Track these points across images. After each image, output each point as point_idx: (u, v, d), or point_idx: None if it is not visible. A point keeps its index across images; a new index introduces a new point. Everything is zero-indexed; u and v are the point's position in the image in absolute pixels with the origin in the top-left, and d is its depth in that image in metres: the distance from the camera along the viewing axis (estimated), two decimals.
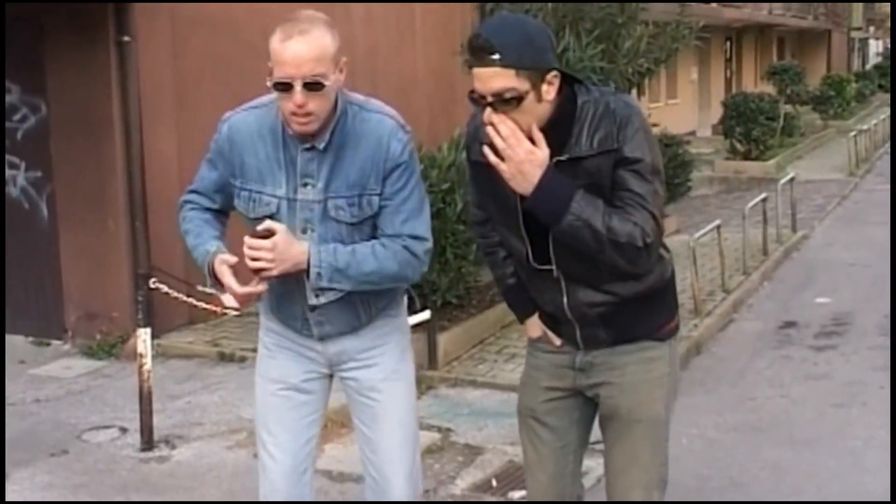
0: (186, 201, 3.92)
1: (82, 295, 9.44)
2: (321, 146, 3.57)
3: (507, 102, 3.30)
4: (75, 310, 9.49)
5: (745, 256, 11.57)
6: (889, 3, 43.01)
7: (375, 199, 3.62)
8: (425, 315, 7.82)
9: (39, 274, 9.60)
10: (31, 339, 9.54)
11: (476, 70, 3.33)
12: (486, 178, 3.61)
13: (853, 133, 21.61)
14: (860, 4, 49.99)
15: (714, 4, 23.09)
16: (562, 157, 3.41)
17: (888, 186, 19.04)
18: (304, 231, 3.63)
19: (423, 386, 7.86)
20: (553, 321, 3.80)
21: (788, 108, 24.80)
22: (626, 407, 3.71)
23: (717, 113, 27.24)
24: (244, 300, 3.63)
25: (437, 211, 7.99)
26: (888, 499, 5.83)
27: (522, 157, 3.32)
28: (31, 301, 9.60)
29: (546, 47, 3.37)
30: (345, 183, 3.59)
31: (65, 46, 9.09)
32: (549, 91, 3.36)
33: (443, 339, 8.32)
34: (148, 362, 6.70)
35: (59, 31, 9.08)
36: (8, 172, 9.59)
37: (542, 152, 3.34)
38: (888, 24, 65.47)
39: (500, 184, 3.49)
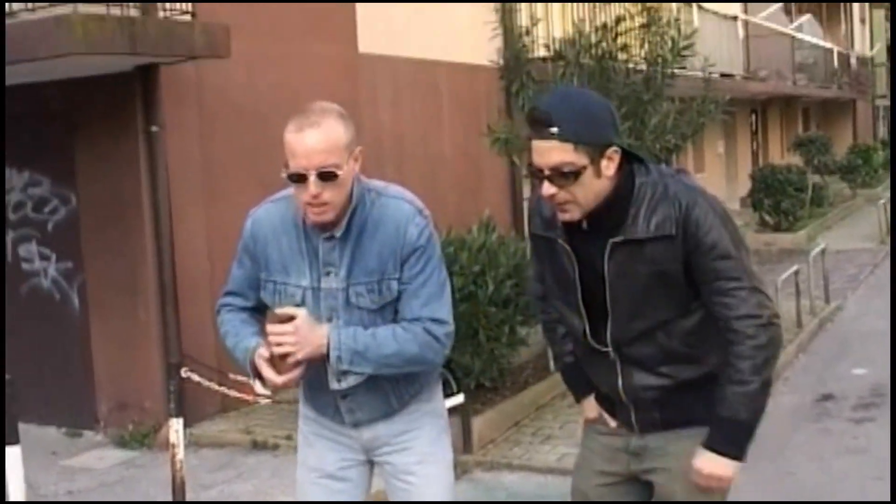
0: (223, 305, 3.97)
1: (114, 384, 9.43)
2: (339, 234, 3.62)
3: (564, 176, 3.30)
4: (107, 400, 9.47)
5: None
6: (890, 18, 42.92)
7: (395, 284, 3.63)
8: (459, 399, 7.79)
9: (71, 364, 9.61)
10: (63, 429, 9.53)
11: (534, 143, 3.34)
12: (546, 251, 3.63)
13: (882, 201, 21.47)
14: (883, 73, 50.05)
15: (738, 78, 23.13)
16: (617, 239, 3.40)
17: None
18: (329, 319, 3.65)
19: (459, 470, 7.75)
20: (608, 402, 3.76)
21: (816, 178, 24.73)
22: (681, 496, 3.62)
23: (744, 185, 27.19)
24: (282, 387, 3.72)
25: (468, 294, 7.97)
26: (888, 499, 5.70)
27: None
28: (63, 391, 9.60)
29: (607, 122, 3.37)
30: (364, 269, 3.62)
31: (94, 137, 9.18)
32: (609, 167, 3.34)
33: (477, 423, 8.24)
34: (180, 452, 6.66)
35: (90, 122, 9.17)
36: (39, 264, 9.65)
37: None
38: None
39: (560, 257, 3.52)
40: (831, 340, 12.17)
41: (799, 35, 31.64)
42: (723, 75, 20.40)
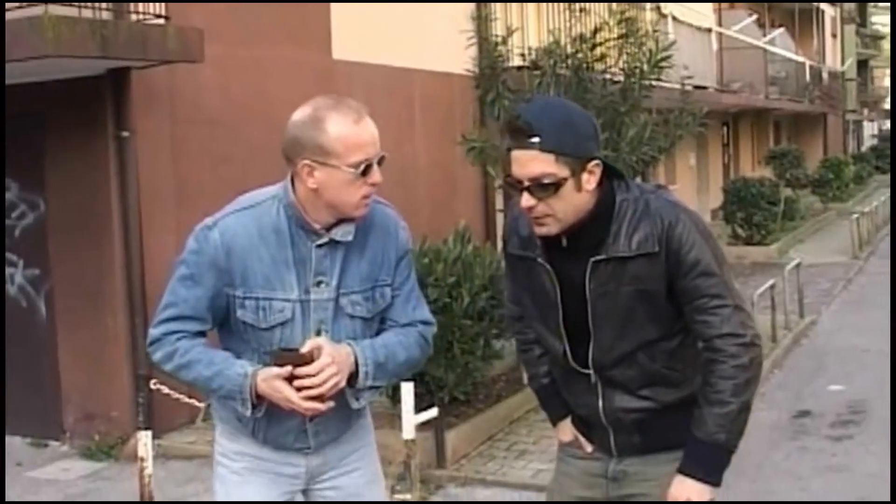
0: (166, 333, 3.50)
1: (81, 394, 9.25)
2: (348, 237, 3.43)
3: (544, 189, 3.17)
4: (74, 410, 9.29)
5: None
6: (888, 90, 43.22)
7: (388, 291, 3.54)
8: (433, 412, 7.63)
9: (37, 373, 9.41)
10: (28, 440, 9.33)
11: (514, 153, 3.22)
12: (524, 271, 3.49)
13: (855, 216, 21.49)
14: (853, 88, 50.30)
15: (711, 90, 23.10)
16: (598, 257, 3.28)
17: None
18: (318, 332, 3.46)
19: (432, 486, 7.66)
20: (585, 425, 3.62)
21: (788, 191, 24.76)
22: None
23: (715, 197, 27.19)
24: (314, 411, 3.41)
25: (443, 305, 7.84)
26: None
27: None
28: (28, 401, 9.39)
29: (589, 134, 3.25)
30: (357, 277, 3.49)
31: (64, 142, 9.01)
32: (590, 181, 3.22)
33: (451, 437, 8.10)
34: (149, 466, 6.50)
35: (60, 126, 9.00)
36: (6, 270, 9.45)
37: None
38: (883, 105, 66.06)
39: (540, 277, 3.39)
40: (806, 356, 12.11)
41: (772, 48, 31.69)
42: (696, 87, 20.36)
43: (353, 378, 3.43)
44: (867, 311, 14.80)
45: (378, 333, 3.55)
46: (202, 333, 3.53)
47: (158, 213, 9.09)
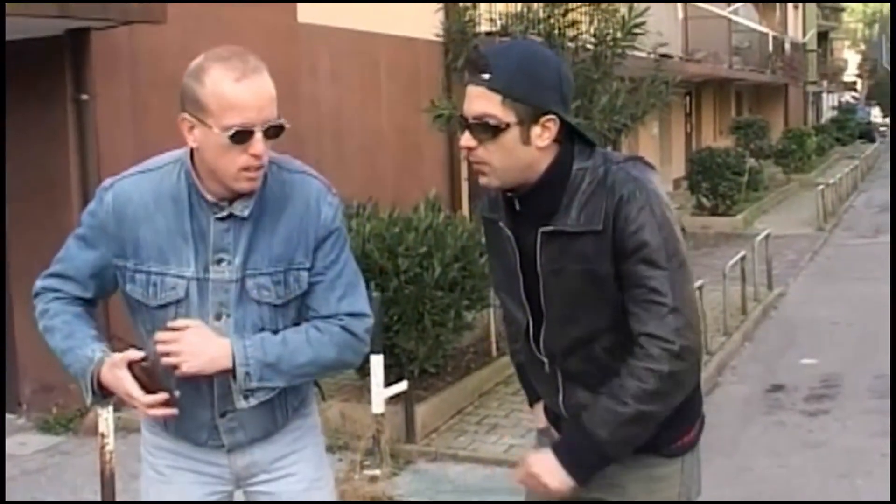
0: (46, 289, 3.18)
1: (37, 366, 8.93)
2: (244, 213, 2.99)
3: (483, 129, 2.84)
4: (30, 382, 8.99)
5: (726, 316, 11.20)
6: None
7: (304, 275, 3.06)
8: (402, 386, 7.43)
9: None
10: None
11: (467, 87, 2.90)
12: (492, 236, 3.18)
13: (821, 187, 21.45)
14: (814, 59, 50.35)
15: (676, 59, 22.92)
16: (547, 228, 2.92)
17: (859, 241, 18.95)
18: (217, 317, 3.04)
19: (402, 461, 7.45)
20: (553, 416, 3.29)
21: (752, 162, 24.68)
22: None
23: (678, 167, 27.12)
24: (154, 409, 2.94)
25: (413, 276, 7.61)
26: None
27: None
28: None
29: (549, 84, 2.87)
30: (266, 257, 3.02)
31: (20, 105, 8.66)
32: (542, 137, 2.86)
33: (420, 411, 7.88)
34: (110, 443, 6.24)
35: (16, 89, 8.66)
36: None
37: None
38: (841, 77, 66.29)
39: (504, 243, 3.06)
40: (776, 328, 12.00)
41: (736, 18, 31.58)
42: (662, 55, 20.19)
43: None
44: (834, 283, 14.73)
45: (298, 324, 3.11)
46: (84, 301, 3.16)
47: None
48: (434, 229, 7.89)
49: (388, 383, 7.24)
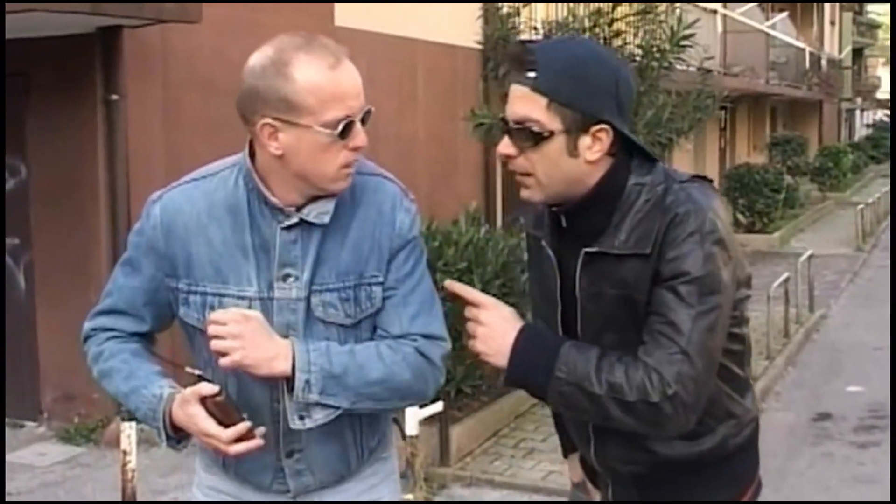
0: (97, 329, 2.81)
1: (60, 373, 8.68)
2: (324, 219, 2.63)
3: (524, 136, 2.51)
4: (52, 390, 8.73)
5: (769, 339, 10.84)
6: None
7: (378, 291, 2.68)
8: (438, 407, 7.11)
9: (14, 349, 8.84)
10: (3, 419, 8.78)
11: (510, 86, 2.56)
12: (534, 254, 2.84)
13: (860, 206, 21.04)
14: (849, 76, 49.89)
15: (715, 73, 22.59)
16: (591, 249, 2.57)
17: None
18: None
19: (436, 485, 7.15)
20: (590, 468, 2.94)
21: (789, 179, 24.31)
22: None
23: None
24: (237, 445, 2.56)
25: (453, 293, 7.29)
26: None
27: (485, 319, 2.57)
28: (4, 378, 8.83)
29: (604, 89, 2.51)
30: (334, 270, 2.65)
31: (48, 104, 8.44)
32: (593, 149, 2.52)
33: (454, 433, 7.57)
34: (132, 460, 5.98)
35: (44, 87, 8.43)
36: None
37: (502, 308, 2.58)
38: (875, 95, 65.73)
39: (544, 263, 2.72)
40: (820, 353, 11.62)
41: (774, 33, 31.20)
42: (699, 69, 19.90)
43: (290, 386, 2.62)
44: (876, 306, 14.32)
45: None
46: (143, 336, 2.81)
47: (148, 183, 8.45)
48: (474, 244, 7.57)
49: (422, 404, 6.93)
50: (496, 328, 2.55)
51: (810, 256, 13.61)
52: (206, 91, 9.08)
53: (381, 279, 2.68)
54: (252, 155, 2.66)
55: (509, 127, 2.54)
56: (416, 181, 12.42)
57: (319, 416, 2.64)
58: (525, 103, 2.50)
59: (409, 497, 6.82)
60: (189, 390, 2.57)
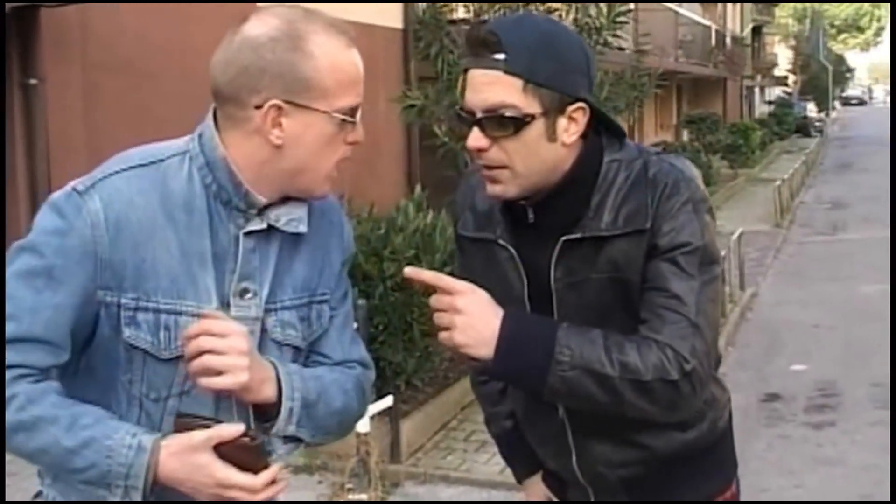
0: (12, 367, 2.06)
1: None
2: (299, 227, 2.23)
3: (501, 125, 2.24)
4: None
5: None
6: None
7: (326, 310, 2.32)
8: (388, 402, 6.79)
9: None
10: None
11: (470, 73, 2.28)
12: (480, 260, 2.50)
13: (777, 182, 21.13)
14: (748, 54, 50.38)
15: (628, 52, 22.51)
16: (572, 236, 2.33)
17: (819, 238, 18.62)
18: None
19: (388, 483, 6.81)
20: (559, 483, 2.68)
21: (702, 157, 24.39)
22: None
23: None
24: (266, 491, 2.10)
25: (401, 281, 6.97)
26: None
27: (462, 306, 2.23)
28: None
29: (578, 65, 2.29)
30: (291, 285, 2.26)
31: None
32: (570, 130, 2.29)
33: (404, 427, 7.23)
34: None
35: None
36: None
37: (479, 293, 2.26)
38: (773, 72, 66.54)
39: (501, 267, 2.42)
40: (757, 332, 11.50)
41: (683, 11, 31.32)
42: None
43: (265, 415, 2.19)
44: (805, 283, 14.32)
45: None
46: (57, 369, 2.13)
47: (69, 170, 7.92)
48: (421, 231, 7.25)
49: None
50: (476, 316, 2.23)
51: (741, 235, 13.50)
52: (128, 74, 8.66)
53: (328, 297, 2.33)
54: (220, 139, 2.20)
55: (478, 117, 2.26)
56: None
57: (283, 451, 2.24)
58: (496, 88, 2.24)
59: (364, 497, 6.50)
60: (197, 435, 2.06)
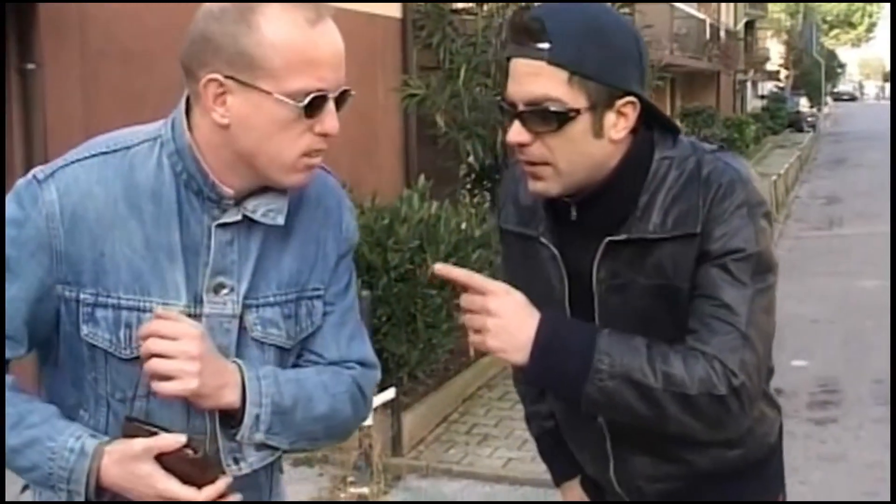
0: None
1: None
2: (277, 219, 2.09)
3: (544, 119, 2.12)
4: None
5: None
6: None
7: (319, 306, 2.19)
8: (390, 394, 6.72)
9: None
10: None
11: (513, 62, 2.16)
12: (521, 256, 2.40)
13: (773, 177, 21.08)
14: (742, 48, 50.34)
15: None
16: (618, 237, 2.23)
17: (815, 233, 18.58)
18: None
19: (390, 476, 6.73)
20: (596, 489, 2.61)
21: None
22: None
23: None
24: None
25: (405, 272, 6.89)
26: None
27: (495, 308, 2.12)
28: None
29: (629, 56, 2.15)
30: (275, 281, 2.13)
31: None
32: (619, 126, 2.17)
33: (407, 420, 7.16)
34: None
35: None
36: None
37: (514, 294, 2.16)
38: (765, 66, 66.52)
39: (543, 265, 2.32)
40: None
41: (678, 4, 31.25)
42: None
43: (232, 420, 2.07)
44: (803, 278, 14.23)
45: None
46: (6, 363, 2.06)
47: None
48: (425, 222, 7.16)
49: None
50: (510, 319, 2.13)
51: None
52: (127, 59, 8.56)
53: (322, 292, 2.20)
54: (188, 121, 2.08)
55: (520, 110, 2.15)
56: (336, 156, 11.86)
57: (254, 459, 2.13)
58: (540, 80, 2.12)
59: (365, 490, 6.43)
60: (138, 443, 1.97)
